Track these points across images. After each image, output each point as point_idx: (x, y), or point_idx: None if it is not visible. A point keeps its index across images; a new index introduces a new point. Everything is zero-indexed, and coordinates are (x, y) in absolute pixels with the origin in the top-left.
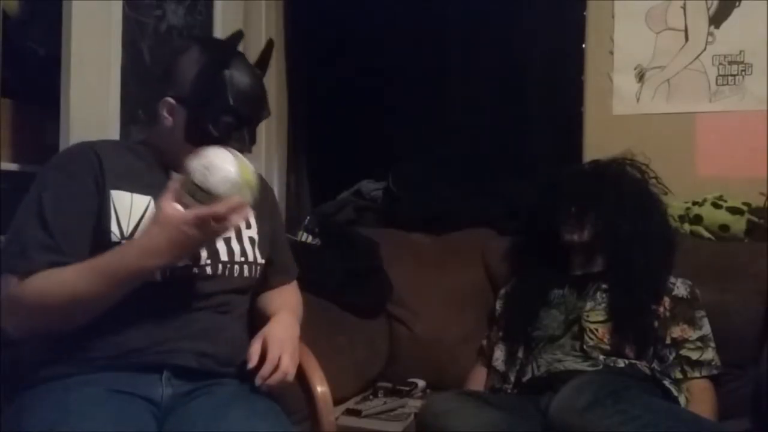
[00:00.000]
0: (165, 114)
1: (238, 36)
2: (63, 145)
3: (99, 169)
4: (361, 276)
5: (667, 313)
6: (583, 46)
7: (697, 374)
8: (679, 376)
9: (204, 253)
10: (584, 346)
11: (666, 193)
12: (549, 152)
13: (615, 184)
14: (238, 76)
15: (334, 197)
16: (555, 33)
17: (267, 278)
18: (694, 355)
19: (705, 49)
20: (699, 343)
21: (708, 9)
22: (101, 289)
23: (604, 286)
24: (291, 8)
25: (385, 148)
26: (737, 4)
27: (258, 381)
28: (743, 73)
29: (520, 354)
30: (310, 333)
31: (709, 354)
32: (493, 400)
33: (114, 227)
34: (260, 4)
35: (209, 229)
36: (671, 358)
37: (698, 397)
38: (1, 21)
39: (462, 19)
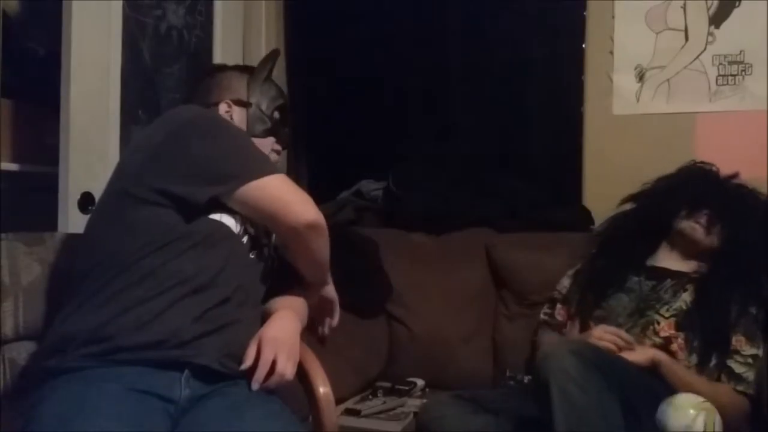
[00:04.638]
0: (224, 114)
1: (275, 54)
2: (63, 145)
3: None
4: (361, 276)
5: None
6: (583, 46)
7: (733, 385)
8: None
9: (238, 229)
10: (646, 341)
11: None
12: (549, 152)
13: (752, 203)
14: (276, 83)
15: (334, 197)
16: (555, 33)
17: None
18: (739, 369)
19: (705, 49)
20: (750, 360)
21: (708, 9)
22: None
23: (687, 287)
24: (291, 8)
25: (385, 148)
26: (737, 4)
27: (254, 385)
28: (743, 73)
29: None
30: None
31: (752, 375)
32: (489, 402)
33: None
34: (260, 4)
35: None
36: (714, 366)
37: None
38: (1, 21)
39: (462, 19)
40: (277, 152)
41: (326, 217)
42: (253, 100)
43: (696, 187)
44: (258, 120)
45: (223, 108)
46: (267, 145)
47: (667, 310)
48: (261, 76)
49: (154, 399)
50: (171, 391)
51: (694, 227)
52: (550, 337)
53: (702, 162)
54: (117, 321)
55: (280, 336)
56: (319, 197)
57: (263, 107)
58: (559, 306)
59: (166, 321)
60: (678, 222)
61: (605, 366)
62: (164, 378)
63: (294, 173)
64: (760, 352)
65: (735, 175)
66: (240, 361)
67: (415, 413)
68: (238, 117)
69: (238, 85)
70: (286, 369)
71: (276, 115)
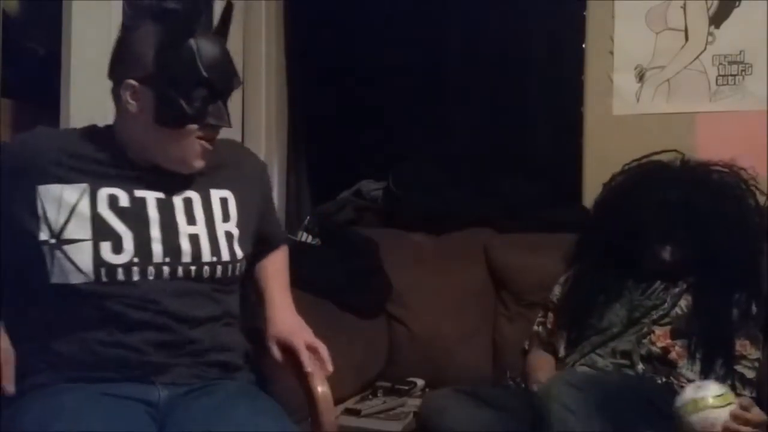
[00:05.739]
0: (129, 99)
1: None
2: None
3: (25, 166)
4: (361, 276)
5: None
6: (583, 46)
7: (747, 393)
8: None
9: (160, 252)
10: (640, 352)
11: None
12: (549, 152)
13: (718, 203)
14: (205, 45)
15: (334, 197)
16: (555, 33)
17: (258, 251)
18: (750, 374)
19: (705, 49)
20: (756, 363)
21: (708, 9)
22: None
23: (675, 290)
24: (291, 8)
25: (385, 147)
26: (737, 4)
27: (330, 368)
28: (743, 73)
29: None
30: None
31: (756, 377)
32: (491, 398)
33: (42, 226)
34: (260, 4)
35: None
36: (720, 372)
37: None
38: (1, 21)
39: (462, 19)
40: (205, 139)
41: (326, 216)
42: (159, 77)
43: (661, 212)
44: (167, 105)
45: (126, 95)
46: (186, 135)
47: (662, 317)
48: (176, 35)
49: (133, 402)
50: (149, 395)
51: (665, 259)
52: (539, 361)
53: (667, 158)
54: (87, 347)
55: (294, 322)
56: (319, 197)
57: (175, 85)
58: (551, 315)
59: (131, 349)
60: (653, 251)
61: (600, 390)
62: (139, 385)
63: (294, 173)
64: (762, 355)
65: (714, 172)
66: (218, 365)
67: (415, 413)
68: (146, 103)
69: (146, 54)
70: (321, 346)
71: (199, 92)
